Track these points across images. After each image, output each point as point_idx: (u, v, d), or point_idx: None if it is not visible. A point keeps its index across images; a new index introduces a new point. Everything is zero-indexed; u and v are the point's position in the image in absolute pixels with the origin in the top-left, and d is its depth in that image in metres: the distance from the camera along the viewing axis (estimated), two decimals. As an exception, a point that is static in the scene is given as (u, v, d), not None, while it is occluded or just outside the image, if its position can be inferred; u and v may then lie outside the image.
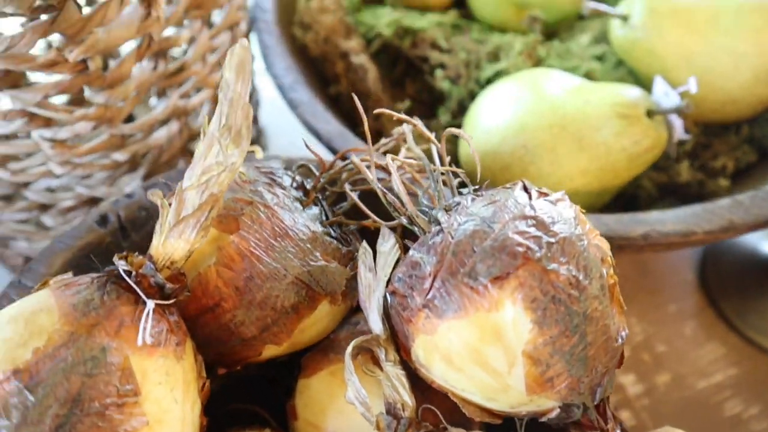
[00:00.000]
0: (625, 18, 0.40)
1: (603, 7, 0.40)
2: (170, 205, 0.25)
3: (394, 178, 0.27)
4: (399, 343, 0.26)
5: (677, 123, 0.37)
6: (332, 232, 0.29)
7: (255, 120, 0.49)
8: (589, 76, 0.42)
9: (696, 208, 0.35)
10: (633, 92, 0.37)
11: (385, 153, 0.31)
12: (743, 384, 0.45)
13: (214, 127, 0.24)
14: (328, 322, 0.29)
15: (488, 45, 0.43)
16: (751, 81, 0.39)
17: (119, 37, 0.31)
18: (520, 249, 0.23)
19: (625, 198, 0.44)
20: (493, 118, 0.39)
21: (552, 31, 0.48)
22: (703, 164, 0.43)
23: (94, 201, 0.40)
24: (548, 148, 0.37)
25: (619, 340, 0.25)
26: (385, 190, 0.28)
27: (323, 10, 0.45)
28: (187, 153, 0.42)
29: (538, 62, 0.43)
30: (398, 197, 0.27)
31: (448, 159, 0.29)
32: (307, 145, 0.30)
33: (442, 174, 0.29)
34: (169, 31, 0.36)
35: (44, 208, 0.39)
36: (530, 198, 0.25)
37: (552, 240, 0.24)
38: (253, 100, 0.48)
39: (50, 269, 0.30)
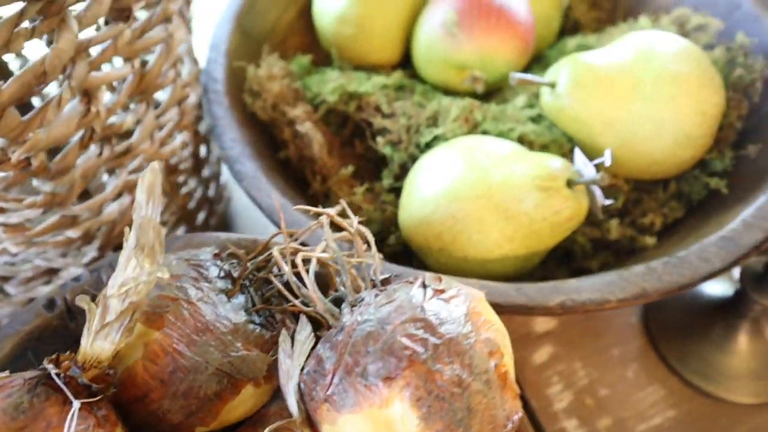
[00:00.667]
0: (552, 85, 0.42)
1: (530, 77, 0.42)
2: (97, 308, 0.28)
3: (305, 276, 0.29)
4: (313, 426, 0.29)
5: (597, 191, 0.39)
6: (256, 318, 0.31)
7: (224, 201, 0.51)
8: (523, 138, 0.45)
9: (612, 276, 0.37)
10: (554, 164, 0.39)
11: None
12: (681, 426, 0.47)
13: (131, 244, 0.27)
14: (254, 402, 0.31)
15: (427, 110, 0.45)
16: (672, 145, 0.41)
17: (61, 134, 0.34)
18: (407, 352, 0.25)
19: (562, 252, 0.46)
20: (427, 186, 0.41)
21: (493, 90, 0.50)
22: (633, 220, 0.45)
23: (53, 271, 0.42)
24: (476, 218, 0.39)
25: (509, 425, 0.27)
26: (299, 283, 0.30)
27: (271, 77, 0.47)
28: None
29: (474, 126, 0.45)
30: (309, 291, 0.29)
31: (366, 247, 0.31)
32: (276, 224, 0.32)
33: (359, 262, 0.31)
34: (114, 116, 0.38)
35: (5, 279, 0.42)
36: (425, 297, 0.28)
37: (438, 341, 0.26)
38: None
39: (0, 353, 0.33)
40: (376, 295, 0.29)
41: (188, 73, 0.43)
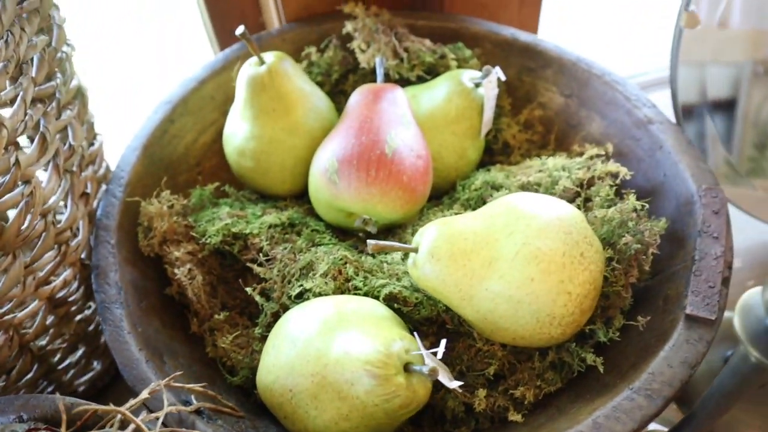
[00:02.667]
0: (415, 251, 0.41)
1: (390, 244, 0.41)
2: None
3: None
4: None
5: (442, 377, 0.37)
6: None
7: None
8: (393, 297, 0.43)
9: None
10: (394, 347, 0.37)
11: None
12: None
13: None
14: None
15: (301, 260, 0.45)
16: (533, 324, 0.39)
17: None
18: None
19: (436, 415, 0.44)
20: (273, 352, 0.40)
21: (394, 226, 0.49)
22: (506, 389, 0.42)
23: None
24: (311, 395, 0.38)
25: None
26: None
27: (160, 215, 0.48)
28: (28, 351, 0.46)
29: (345, 281, 0.44)
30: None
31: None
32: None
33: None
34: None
35: None
36: None
37: None
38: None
39: None
40: None
41: (68, 217, 0.44)
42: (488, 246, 0.39)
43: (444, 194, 0.53)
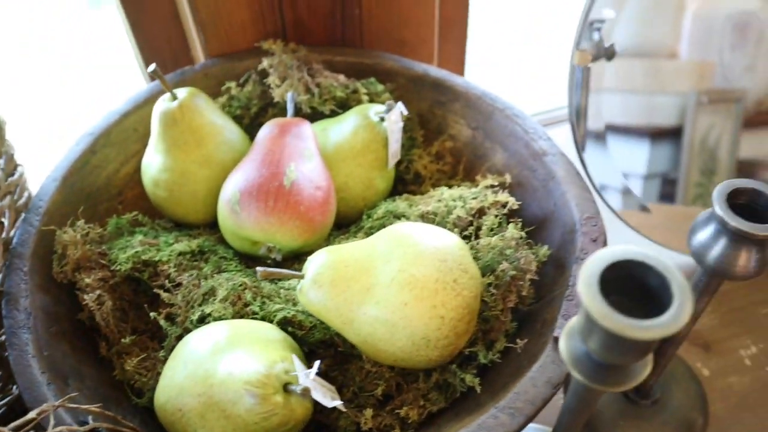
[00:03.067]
0: (302, 277, 0.44)
1: (278, 271, 0.43)
2: None
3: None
4: None
5: (319, 395, 0.40)
6: None
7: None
8: (288, 321, 0.46)
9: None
10: (276, 368, 0.40)
11: None
12: None
13: None
14: None
15: (204, 286, 0.47)
16: (410, 347, 0.42)
17: None
18: None
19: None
20: (168, 373, 0.43)
21: (297, 253, 0.52)
22: (392, 408, 0.45)
23: None
24: (199, 414, 0.40)
25: None
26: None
27: (74, 243, 0.50)
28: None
29: (244, 306, 0.46)
30: None
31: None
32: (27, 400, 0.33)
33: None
34: None
35: None
36: None
37: None
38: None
39: None
40: None
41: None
42: (367, 273, 0.42)
43: (353, 223, 0.56)
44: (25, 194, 0.54)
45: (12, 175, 0.52)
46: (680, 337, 0.48)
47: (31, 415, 0.38)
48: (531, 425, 0.55)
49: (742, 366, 0.59)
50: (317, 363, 0.39)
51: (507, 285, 0.45)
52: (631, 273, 0.30)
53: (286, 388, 0.40)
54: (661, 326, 0.26)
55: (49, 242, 0.51)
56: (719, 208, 0.38)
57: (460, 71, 0.78)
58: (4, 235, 0.51)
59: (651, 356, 0.32)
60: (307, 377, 0.39)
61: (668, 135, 0.74)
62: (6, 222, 0.51)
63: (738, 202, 0.39)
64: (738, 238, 0.38)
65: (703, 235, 0.40)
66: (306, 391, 0.38)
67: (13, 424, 0.37)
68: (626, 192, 0.71)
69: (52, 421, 0.38)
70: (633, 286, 0.30)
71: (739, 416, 0.56)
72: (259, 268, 0.43)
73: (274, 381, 0.39)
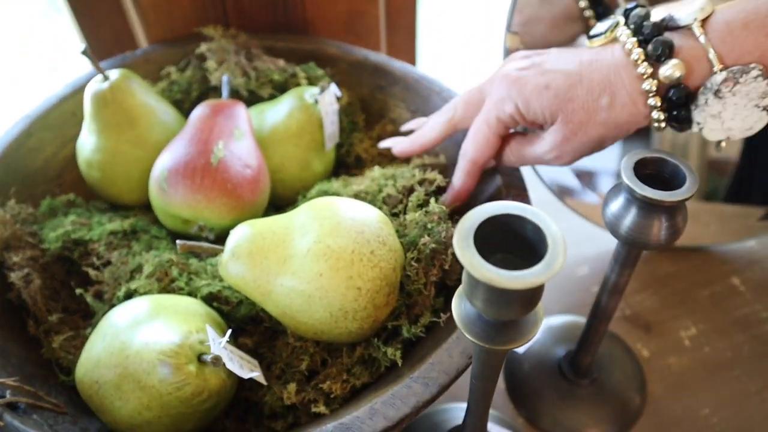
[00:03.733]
0: (221, 251, 0.44)
1: (197, 244, 0.43)
2: None
3: None
4: None
5: (231, 365, 0.40)
6: None
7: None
8: (213, 296, 0.46)
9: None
10: (186, 338, 0.40)
11: None
12: None
13: None
14: None
15: (131, 263, 0.47)
16: (327, 318, 0.42)
17: None
18: None
19: (258, 411, 0.46)
20: (88, 346, 0.43)
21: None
22: (317, 384, 0.45)
23: None
24: (114, 386, 0.40)
25: None
26: None
27: (3, 222, 0.50)
28: None
29: (170, 282, 0.46)
30: None
31: None
32: None
33: None
34: None
35: None
36: None
37: None
38: None
39: None
40: None
41: None
42: (284, 244, 0.42)
43: (291, 204, 0.56)
44: (-40, 176, 0.54)
45: (-56, 156, 0.52)
46: (606, 311, 0.48)
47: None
48: (455, 405, 0.55)
49: (682, 347, 0.59)
50: (229, 331, 0.39)
51: (428, 259, 0.45)
52: (512, 229, 0.30)
53: (200, 358, 0.40)
54: (533, 275, 0.27)
55: (-20, 221, 0.51)
56: (627, 178, 0.38)
57: (412, 63, 0.78)
58: (-66, 215, 0.51)
59: (540, 312, 0.32)
60: (219, 346, 0.39)
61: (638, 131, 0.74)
62: (-63, 203, 0.51)
63: (645, 172, 0.39)
64: (647, 207, 0.39)
65: (615, 205, 0.40)
66: (216, 360, 0.38)
67: None
68: (578, 187, 0.72)
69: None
70: (516, 242, 0.30)
71: (677, 396, 0.56)
72: (179, 241, 0.43)
73: (188, 351, 0.39)
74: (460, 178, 0.49)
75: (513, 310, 0.29)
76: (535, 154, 0.46)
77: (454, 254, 0.46)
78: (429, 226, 0.46)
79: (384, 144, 0.55)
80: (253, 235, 0.43)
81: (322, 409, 0.43)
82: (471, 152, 0.48)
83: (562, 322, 0.60)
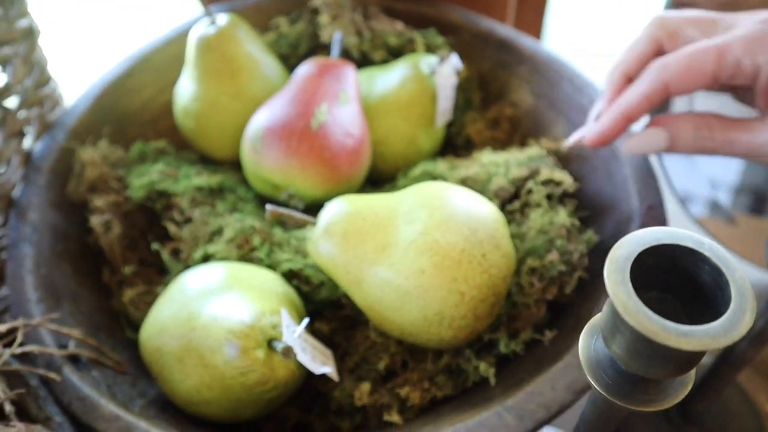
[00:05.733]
0: (314, 224, 0.39)
1: (287, 211, 0.39)
2: None
3: None
4: None
5: (303, 357, 0.35)
6: None
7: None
8: (294, 274, 0.42)
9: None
10: (259, 319, 0.36)
11: None
12: None
13: None
14: None
15: (212, 224, 0.44)
16: (421, 321, 0.37)
17: None
18: None
19: (325, 403, 0.42)
20: (155, 311, 0.39)
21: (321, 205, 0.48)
22: (393, 387, 0.40)
23: None
24: (177, 357, 0.37)
25: None
26: None
27: (92, 162, 0.48)
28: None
29: (250, 250, 0.43)
30: None
31: None
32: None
33: None
34: None
35: None
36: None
37: None
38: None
39: None
40: None
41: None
42: (386, 230, 0.37)
43: (389, 181, 0.51)
44: (57, 109, 0.53)
45: (42, 87, 0.50)
46: (742, 359, 0.40)
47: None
48: (550, 429, 0.49)
49: (816, 407, 0.51)
50: (305, 320, 0.35)
51: (551, 278, 0.39)
52: (679, 264, 0.23)
53: (270, 344, 0.36)
54: (706, 336, 0.20)
55: (70, 160, 0.49)
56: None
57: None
58: (26, 146, 0.49)
59: (692, 375, 0.26)
60: (293, 335, 0.35)
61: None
62: (31, 134, 0.50)
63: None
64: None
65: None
66: (287, 351, 0.34)
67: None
68: (711, 200, 0.63)
69: (19, 339, 0.35)
70: (682, 284, 0.24)
71: (803, 464, 0.48)
72: (269, 206, 0.39)
73: (258, 334, 0.35)
74: (614, 117, 0.38)
75: (665, 370, 0.23)
76: (757, 142, 0.35)
77: (580, 278, 0.40)
78: (558, 242, 0.40)
79: (571, 140, 0.43)
80: (352, 214, 0.38)
81: (395, 418, 0.39)
82: (660, 82, 0.36)
83: (676, 357, 0.53)
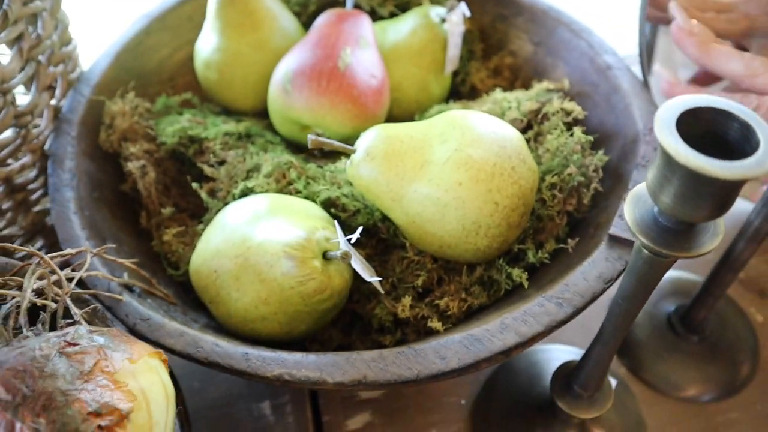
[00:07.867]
0: (354, 152, 0.42)
1: (328, 141, 0.42)
2: None
3: None
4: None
5: (358, 267, 0.38)
6: None
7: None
8: (331, 203, 0.44)
9: (339, 357, 0.36)
10: (317, 234, 0.39)
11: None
12: None
13: None
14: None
15: (248, 162, 0.46)
16: (460, 231, 0.40)
17: None
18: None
19: (365, 325, 0.45)
20: (206, 237, 0.42)
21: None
22: (432, 300, 0.43)
23: None
24: (233, 276, 0.39)
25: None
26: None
27: (122, 113, 0.49)
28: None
29: (288, 184, 0.45)
30: None
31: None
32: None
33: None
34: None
35: None
36: (50, 348, 0.29)
37: (29, 393, 0.27)
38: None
39: None
40: (25, 336, 0.30)
41: (30, 103, 0.46)
42: (422, 150, 0.40)
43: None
44: (77, 69, 0.54)
45: (66, 45, 0.52)
46: (739, 259, 0.45)
47: (69, 251, 0.38)
48: (551, 345, 0.53)
49: (798, 316, 0.56)
50: (359, 229, 0.38)
51: (571, 189, 0.43)
52: (709, 126, 0.27)
53: (325, 255, 0.39)
54: (745, 167, 0.24)
55: (97, 112, 0.51)
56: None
57: None
58: (54, 101, 0.50)
59: (721, 226, 0.30)
60: (347, 243, 0.38)
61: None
62: (58, 90, 0.51)
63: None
64: None
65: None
66: (346, 256, 0.37)
67: (48, 255, 0.36)
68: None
69: (87, 263, 0.37)
70: (711, 142, 0.28)
71: (790, 366, 0.53)
72: (310, 135, 0.41)
73: (314, 246, 0.38)
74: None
75: (706, 207, 0.27)
76: None
77: (595, 189, 0.44)
78: (574, 157, 0.44)
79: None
80: (390, 137, 0.41)
81: (436, 324, 0.42)
82: None
83: (674, 276, 0.58)
